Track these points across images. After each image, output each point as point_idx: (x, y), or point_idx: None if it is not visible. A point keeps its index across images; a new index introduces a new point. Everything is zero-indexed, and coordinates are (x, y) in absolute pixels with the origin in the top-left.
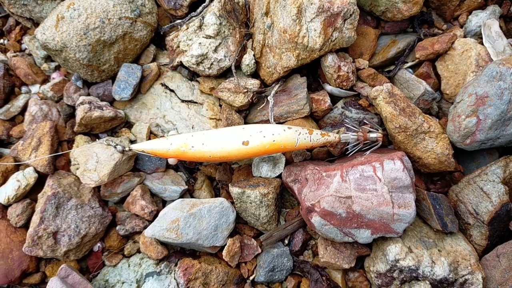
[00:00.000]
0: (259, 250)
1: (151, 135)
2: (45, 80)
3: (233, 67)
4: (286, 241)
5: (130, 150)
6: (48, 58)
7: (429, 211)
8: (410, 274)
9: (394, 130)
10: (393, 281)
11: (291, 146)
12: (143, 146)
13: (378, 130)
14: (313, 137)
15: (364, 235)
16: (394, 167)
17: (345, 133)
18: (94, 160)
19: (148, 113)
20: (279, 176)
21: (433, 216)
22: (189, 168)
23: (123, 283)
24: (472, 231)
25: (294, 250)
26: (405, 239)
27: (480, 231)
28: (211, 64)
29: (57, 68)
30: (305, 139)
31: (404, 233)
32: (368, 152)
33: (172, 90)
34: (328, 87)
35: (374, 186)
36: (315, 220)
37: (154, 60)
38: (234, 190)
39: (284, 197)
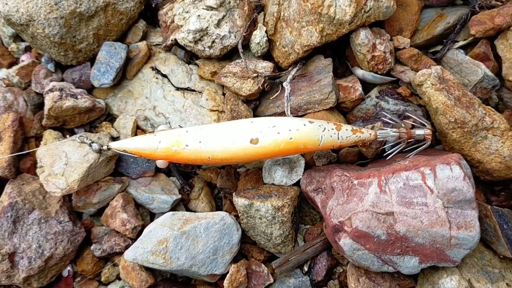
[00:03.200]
0: (271, 280)
1: (138, 130)
2: (13, 64)
3: (240, 46)
4: (306, 268)
5: (108, 149)
6: (17, 37)
7: (494, 232)
8: None
9: (447, 125)
10: None
11: (313, 145)
12: (125, 144)
13: (426, 125)
14: (342, 133)
15: (409, 264)
16: (452, 175)
17: (383, 129)
18: (62, 162)
19: (135, 103)
20: (297, 184)
21: (500, 238)
22: (184, 173)
23: None
24: None
25: (316, 280)
26: (463, 268)
27: None
28: (213, 42)
29: (28, 49)
30: (331, 136)
31: (461, 261)
32: (413, 154)
33: (164, 76)
34: (359, 72)
35: (424, 200)
36: (345, 242)
37: (144, 39)
38: (240, 201)
39: (303, 210)
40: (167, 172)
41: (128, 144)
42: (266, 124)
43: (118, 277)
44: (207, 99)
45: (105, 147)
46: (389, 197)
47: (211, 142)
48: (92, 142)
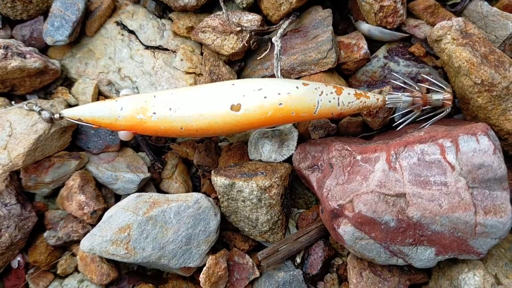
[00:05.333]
0: (257, 273)
1: (100, 97)
2: None
3: None
4: (298, 260)
5: (61, 117)
6: None
7: None
8: None
9: (471, 88)
10: None
11: (308, 112)
12: (80, 111)
13: (445, 89)
14: (343, 98)
15: (423, 256)
16: (478, 148)
17: (392, 93)
18: (5, 133)
19: (97, 65)
20: (289, 160)
21: None
22: (155, 147)
23: None
24: None
25: (311, 273)
26: (488, 261)
27: None
28: None
29: None
30: (330, 101)
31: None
32: (429, 123)
33: (132, 32)
34: (365, 26)
35: (443, 178)
36: (345, 230)
37: None
38: (219, 180)
39: (296, 192)
40: (135, 147)
41: (84, 112)
42: (250, 87)
43: (76, 269)
44: (182, 60)
45: (56, 116)
46: (400, 175)
47: (184, 109)
48: (42, 110)
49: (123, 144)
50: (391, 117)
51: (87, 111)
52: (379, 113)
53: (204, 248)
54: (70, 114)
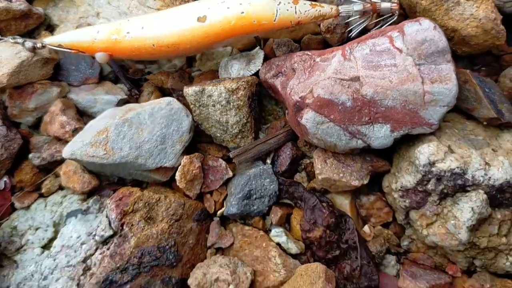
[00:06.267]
0: (230, 174)
1: None
2: None
3: None
4: (269, 161)
5: (43, 46)
6: None
7: (475, 97)
8: (454, 182)
9: None
10: (428, 198)
11: (268, 20)
12: (60, 38)
13: None
14: (300, 7)
15: (380, 134)
16: (420, 28)
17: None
18: None
19: (77, 11)
20: (256, 75)
21: (481, 100)
22: (132, 79)
23: (36, 229)
24: None
25: (280, 170)
26: (442, 137)
27: None
28: None
29: None
30: (287, 10)
31: (440, 131)
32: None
33: None
34: None
35: (393, 61)
36: (307, 117)
37: None
38: (190, 90)
39: (265, 108)
40: (113, 80)
41: (64, 38)
42: (215, 1)
43: (60, 187)
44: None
45: (39, 45)
46: (354, 64)
47: (155, 27)
48: (25, 41)
49: (102, 78)
50: (348, 30)
51: (67, 37)
52: (336, 29)
53: (179, 148)
54: (51, 41)
